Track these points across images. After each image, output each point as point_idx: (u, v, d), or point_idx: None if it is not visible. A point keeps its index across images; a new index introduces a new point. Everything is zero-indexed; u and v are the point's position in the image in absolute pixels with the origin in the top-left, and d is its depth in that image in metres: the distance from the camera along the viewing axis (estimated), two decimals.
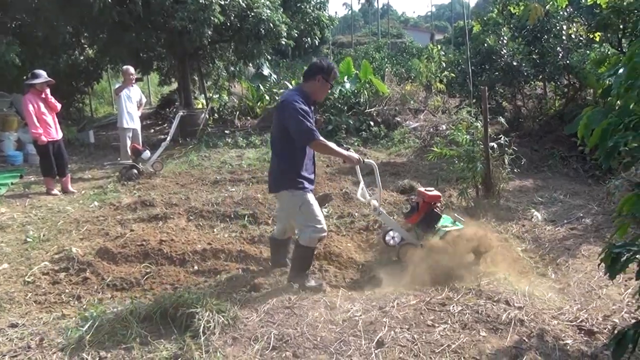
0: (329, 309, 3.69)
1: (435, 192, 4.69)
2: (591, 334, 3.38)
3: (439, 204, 4.66)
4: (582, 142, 2.01)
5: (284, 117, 3.96)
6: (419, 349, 3.14)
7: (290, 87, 14.23)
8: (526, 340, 3.23)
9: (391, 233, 4.79)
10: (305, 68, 4.31)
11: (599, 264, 2.14)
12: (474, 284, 4.06)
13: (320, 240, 4.18)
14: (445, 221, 4.64)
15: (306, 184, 4.10)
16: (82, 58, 15.18)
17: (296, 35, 13.51)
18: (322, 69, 4.09)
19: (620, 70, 1.98)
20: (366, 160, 4.39)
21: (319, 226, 4.06)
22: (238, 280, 4.23)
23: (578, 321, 3.53)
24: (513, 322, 3.40)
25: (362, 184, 4.67)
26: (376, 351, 3.13)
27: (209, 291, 4.00)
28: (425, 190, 4.74)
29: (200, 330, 3.26)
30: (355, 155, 4.28)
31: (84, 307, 3.89)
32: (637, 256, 2.08)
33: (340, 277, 4.37)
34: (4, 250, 5.30)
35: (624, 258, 1.92)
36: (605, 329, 3.46)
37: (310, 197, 4.13)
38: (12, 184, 8.35)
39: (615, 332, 2.28)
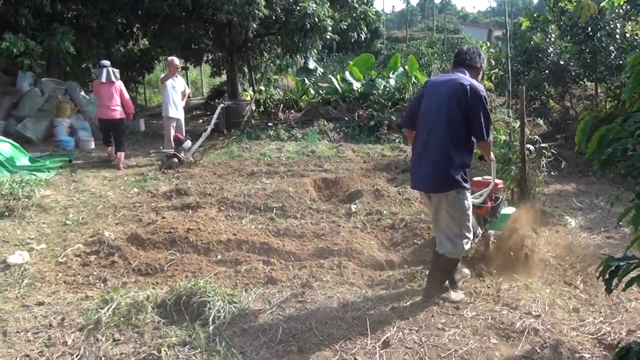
0: (341, 305, 3.70)
1: (497, 180, 4.52)
2: (611, 349, 3.23)
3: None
4: (579, 149, 1.93)
5: (473, 105, 3.49)
6: (425, 352, 3.10)
7: (335, 81, 14.23)
8: (538, 350, 3.13)
9: None
10: (457, 57, 3.85)
11: (597, 277, 2.04)
12: (493, 289, 3.96)
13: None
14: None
15: (469, 186, 3.68)
16: (136, 49, 15.72)
17: (344, 29, 13.49)
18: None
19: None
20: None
21: (471, 237, 3.72)
22: (257, 272, 4.29)
23: (599, 334, 3.39)
24: (527, 330, 3.30)
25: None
26: (381, 351, 3.12)
27: (225, 281, 4.08)
28: (484, 179, 4.56)
29: (210, 319, 3.34)
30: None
31: (108, 289, 4.03)
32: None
33: (358, 274, 4.34)
34: (44, 231, 5.58)
35: (621, 272, 1.83)
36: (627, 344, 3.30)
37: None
38: (61, 167, 8.74)
39: (620, 346, 2.17)
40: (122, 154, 9.11)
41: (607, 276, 1.87)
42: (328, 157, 9.61)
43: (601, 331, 3.41)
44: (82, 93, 12.15)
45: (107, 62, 9.13)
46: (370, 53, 18.61)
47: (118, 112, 9.02)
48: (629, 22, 8.37)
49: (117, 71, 9.18)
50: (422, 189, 3.77)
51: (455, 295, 3.79)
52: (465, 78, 3.62)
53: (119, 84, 9.08)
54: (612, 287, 1.89)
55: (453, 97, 3.54)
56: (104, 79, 8.87)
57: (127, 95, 9.28)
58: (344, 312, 3.59)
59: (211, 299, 3.47)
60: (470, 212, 3.68)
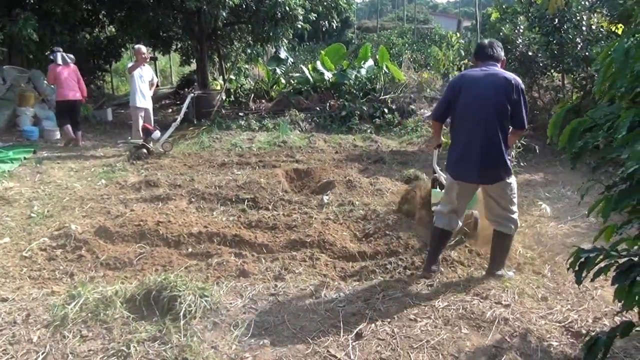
0: (314, 298, 3.69)
1: None
2: (578, 336, 3.30)
3: None
4: (551, 141, 1.94)
5: (518, 97, 3.74)
6: (397, 343, 3.11)
7: (306, 70, 14.15)
8: (508, 339, 3.17)
9: None
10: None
11: (567, 268, 2.07)
12: (463, 279, 4.00)
13: None
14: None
15: None
16: (102, 36, 15.31)
17: (314, 18, 13.41)
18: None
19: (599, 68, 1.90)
20: None
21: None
22: (228, 265, 4.24)
23: (567, 322, 3.45)
24: (497, 320, 3.35)
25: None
26: (354, 343, 3.12)
27: (196, 275, 4.02)
28: None
29: (181, 313, 3.29)
30: None
31: (75, 284, 3.93)
32: (610, 261, 2.02)
33: (331, 266, 4.34)
34: (8, 225, 5.40)
35: (592, 263, 1.86)
36: (593, 331, 3.38)
37: None
38: (25, 158, 8.49)
39: (588, 337, 2.22)
40: (80, 132, 9.92)
41: (577, 267, 1.90)
42: (300, 147, 9.57)
43: (569, 319, 3.48)
44: (46, 81, 11.80)
45: (59, 48, 9.82)
46: (341, 43, 18.55)
47: (78, 94, 9.71)
48: (595, 15, 8.52)
49: (71, 56, 9.80)
50: (475, 181, 3.93)
51: (510, 272, 4.14)
52: (507, 72, 3.85)
53: (74, 67, 9.76)
54: (582, 279, 1.92)
55: (500, 90, 3.73)
56: (59, 61, 9.47)
57: (81, 79, 9.89)
58: (316, 304, 3.58)
59: (182, 293, 3.41)
60: None
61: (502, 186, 3.87)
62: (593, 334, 2.24)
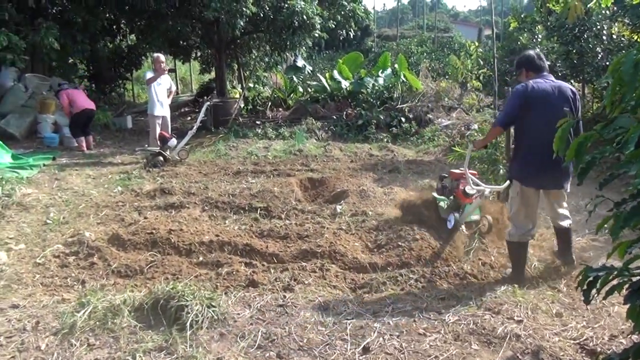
0: (322, 309, 3.66)
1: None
2: (593, 354, 3.21)
3: None
4: (557, 156, 1.89)
5: (578, 105, 4.18)
6: (405, 358, 3.06)
7: (324, 79, 14.18)
8: (519, 356, 3.09)
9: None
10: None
11: (576, 287, 2.01)
12: (476, 293, 3.93)
13: None
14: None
15: None
16: (123, 45, 15.57)
17: (333, 26, 13.45)
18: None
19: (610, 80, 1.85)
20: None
21: None
22: (238, 275, 4.22)
23: (582, 339, 3.36)
24: (509, 336, 3.27)
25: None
26: (361, 357, 3.07)
27: (206, 284, 4.01)
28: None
29: (188, 323, 3.28)
30: None
31: (85, 292, 3.95)
32: (623, 279, 1.95)
33: (341, 277, 4.29)
34: (24, 231, 5.47)
35: (600, 282, 1.79)
36: (609, 349, 3.28)
37: None
38: (44, 165, 8.61)
39: (601, 358, 2.14)
40: (90, 137, 10.66)
41: (585, 287, 1.84)
42: (315, 156, 9.56)
43: (583, 336, 3.38)
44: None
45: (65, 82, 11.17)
46: (361, 51, 18.58)
47: (92, 104, 10.51)
48: (616, 24, 8.38)
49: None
50: (549, 187, 4.25)
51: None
52: (567, 84, 4.23)
53: (82, 88, 11.54)
54: (590, 298, 1.86)
55: (568, 99, 4.06)
56: (66, 87, 10.56)
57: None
58: (324, 316, 3.54)
59: (189, 302, 3.40)
60: None
61: (562, 191, 4.30)
62: (609, 352, 2.17)
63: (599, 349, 3.22)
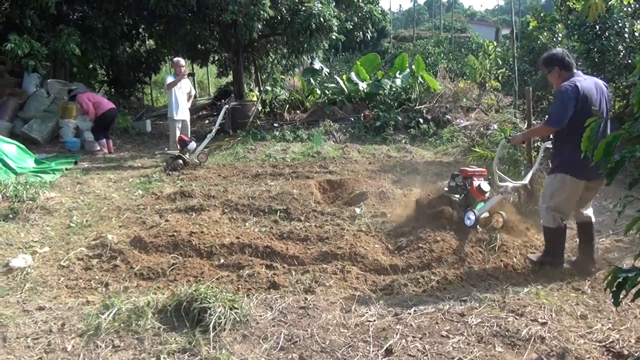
0: (344, 312, 3.65)
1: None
2: (619, 357, 3.15)
3: None
4: (585, 155, 1.87)
5: (609, 100, 4.36)
6: None
7: (341, 81, 14.18)
8: (544, 359, 3.05)
9: None
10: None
11: (604, 289, 1.98)
12: (499, 295, 3.89)
13: None
14: None
15: None
16: (142, 49, 15.74)
17: (350, 28, 13.46)
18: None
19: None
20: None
21: None
22: (259, 277, 4.24)
23: (607, 342, 3.30)
24: (533, 338, 3.23)
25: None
26: (384, 359, 3.06)
27: (227, 286, 4.03)
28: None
29: (211, 325, 3.29)
30: None
31: (109, 294, 4.00)
32: None
33: (362, 279, 4.29)
34: (48, 234, 5.55)
35: (630, 283, 1.76)
36: (637, 352, 3.22)
37: None
38: (66, 169, 8.74)
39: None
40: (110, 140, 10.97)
41: (614, 288, 1.81)
42: (333, 158, 9.56)
43: (609, 339, 3.33)
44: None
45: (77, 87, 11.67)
46: (377, 52, 18.54)
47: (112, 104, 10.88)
48: (638, 21, 8.24)
49: None
50: (596, 178, 4.29)
51: None
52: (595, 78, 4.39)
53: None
54: (620, 300, 1.83)
55: (606, 95, 4.31)
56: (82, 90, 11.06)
57: None
58: (346, 318, 3.54)
59: (212, 304, 3.42)
60: None
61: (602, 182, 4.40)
62: (637, 355, 2.13)
63: (625, 352, 3.17)
